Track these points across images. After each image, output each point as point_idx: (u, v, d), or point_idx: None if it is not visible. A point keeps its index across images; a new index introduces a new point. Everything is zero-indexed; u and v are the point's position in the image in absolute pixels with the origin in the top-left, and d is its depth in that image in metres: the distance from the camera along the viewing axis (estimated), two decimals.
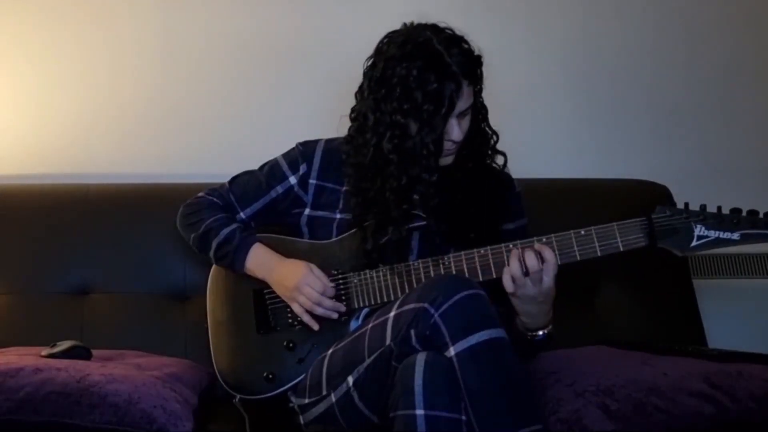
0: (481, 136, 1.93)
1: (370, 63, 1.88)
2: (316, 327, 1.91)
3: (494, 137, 1.95)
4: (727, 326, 2.48)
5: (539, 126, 2.61)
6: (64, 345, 1.92)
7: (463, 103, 1.83)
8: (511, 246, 1.81)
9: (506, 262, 1.79)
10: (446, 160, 1.89)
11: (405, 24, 1.88)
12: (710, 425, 1.69)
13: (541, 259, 1.76)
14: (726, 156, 2.65)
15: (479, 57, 1.86)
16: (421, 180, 1.85)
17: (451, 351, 1.60)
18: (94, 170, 2.46)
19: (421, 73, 1.78)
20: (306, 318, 1.90)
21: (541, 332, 1.84)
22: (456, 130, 1.84)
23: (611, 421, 1.68)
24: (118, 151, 2.51)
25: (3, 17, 2.49)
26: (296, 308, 1.91)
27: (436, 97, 1.79)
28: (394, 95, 1.81)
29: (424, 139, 1.81)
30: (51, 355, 1.88)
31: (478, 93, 1.89)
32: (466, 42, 1.85)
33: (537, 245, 1.78)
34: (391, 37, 1.86)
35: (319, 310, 1.90)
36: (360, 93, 1.91)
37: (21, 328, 2.17)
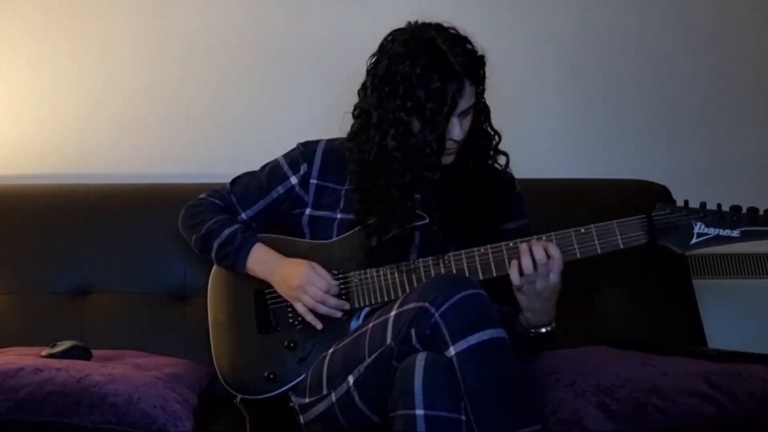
0: (483, 136, 1.95)
1: (373, 60, 1.89)
2: (319, 326, 1.91)
3: (496, 137, 1.96)
4: (727, 326, 2.48)
5: (539, 126, 2.61)
6: (64, 345, 1.92)
7: (465, 102, 1.83)
8: (511, 244, 1.82)
9: (506, 261, 1.80)
10: (447, 159, 1.90)
11: (410, 23, 1.89)
12: (710, 425, 1.69)
13: (547, 255, 1.77)
14: (726, 156, 2.64)
15: (482, 57, 1.87)
16: (424, 178, 1.85)
17: (452, 350, 1.60)
18: (94, 170, 2.46)
19: (424, 71, 1.79)
20: (309, 317, 1.91)
21: (543, 329, 1.85)
22: (457, 129, 1.85)
23: (611, 421, 1.68)
24: (117, 151, 2.51)
25: (1, 19, 2.49)
26: (300, 307, 1.91)
27: (439, 95, 1.80)
28: (398, 93, 1.82)
29: (426, 137, 1.82)
30: (51, 355, 1.88)
31: (480, 93, 1.90)
32: (470, 42, 1.86)
33: (543, 242, 1.79)
34: (395, 35, 1.87)
35: (323, 309, 1.90)
36: (363, 90, 1.91)
37: (21, 328, 2.17)
